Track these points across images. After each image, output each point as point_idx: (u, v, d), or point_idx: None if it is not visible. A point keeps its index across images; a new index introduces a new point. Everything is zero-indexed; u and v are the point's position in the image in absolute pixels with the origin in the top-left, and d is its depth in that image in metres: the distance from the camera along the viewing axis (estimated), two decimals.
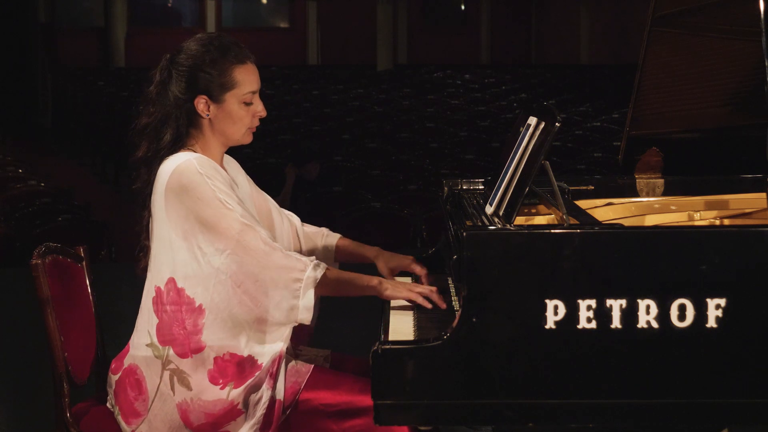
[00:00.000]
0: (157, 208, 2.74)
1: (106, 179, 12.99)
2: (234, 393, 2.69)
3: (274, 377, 2.70)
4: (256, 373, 2.69)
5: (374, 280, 2.80)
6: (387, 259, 3.05)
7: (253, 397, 2.69)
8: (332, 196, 8.80)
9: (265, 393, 2.69)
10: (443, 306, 2.81)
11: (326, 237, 3.09)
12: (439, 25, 21.40)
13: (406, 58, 20.43)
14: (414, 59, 20.28)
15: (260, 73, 2.84)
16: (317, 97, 15.55)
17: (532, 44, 21.56)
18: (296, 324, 2.73)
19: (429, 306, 2.80)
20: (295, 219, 3.11)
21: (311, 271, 2.67)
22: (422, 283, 2.94)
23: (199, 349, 2.71)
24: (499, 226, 2.66)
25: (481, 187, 3.52)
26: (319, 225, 3.17)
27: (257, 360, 2.70)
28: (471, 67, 19.47)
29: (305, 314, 2.68)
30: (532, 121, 2.84)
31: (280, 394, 2.71)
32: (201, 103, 2.77)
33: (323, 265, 2.70)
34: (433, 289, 2.84)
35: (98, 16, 19.04)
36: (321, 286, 2.68)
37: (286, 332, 2.73)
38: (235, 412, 2.69)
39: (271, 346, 2.71)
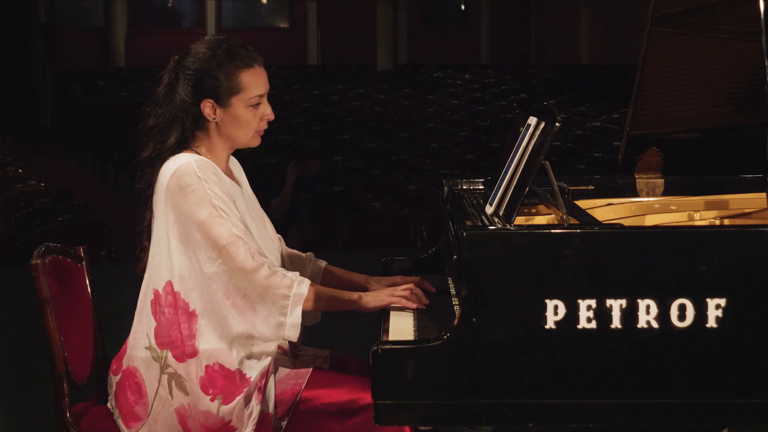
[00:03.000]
0: (158, 209, 2.74)
1: (106, 179, 12.99)
2: (225, 409, 2.69)
3: (263, 391, 2.70)
4: (245, 388, 2.69)
5: (354, 295, 2.81)
6: (377, 281, 3.04)
7: (245, 412, 2.69)
8: (332, 196, 8.78)
9: (255, 408, 2.69)
10: (423, 304, 2.84)
11: (314, 261, 3.07)
12: (439, 25, 21.37)
13: (406, 58, 20.40)
14: (414, 59, 20.26)
15: None
16: (317, 97, 15.52)
17: (532, 44, 21.55)
18: (283, 340, 2.74)
19: (413, 306, 2.82)
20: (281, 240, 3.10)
21: (297, 287, 2.67)
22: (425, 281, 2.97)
23: (193, 354, 2.71)
24: (499, 226, 2.66)
25: (481, 187, 3.52)
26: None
27: (246, 374, 2.71)
28: (471, 67, 19.45)
29: (292, 331, 2.68)
30: (532, 121, 2.84)
31: (269, 408, 2.71)
32: (207, 107, 2.76)
33: (307, 281, 2.71)
34: (410, 286, 2.86)
35: (98, 16, 19.01)
36: (306, 302, 2.69)
37: (273, 347, 2.74)
38: (227, 429, 2.69)
39: (258, 361, 2.72)
